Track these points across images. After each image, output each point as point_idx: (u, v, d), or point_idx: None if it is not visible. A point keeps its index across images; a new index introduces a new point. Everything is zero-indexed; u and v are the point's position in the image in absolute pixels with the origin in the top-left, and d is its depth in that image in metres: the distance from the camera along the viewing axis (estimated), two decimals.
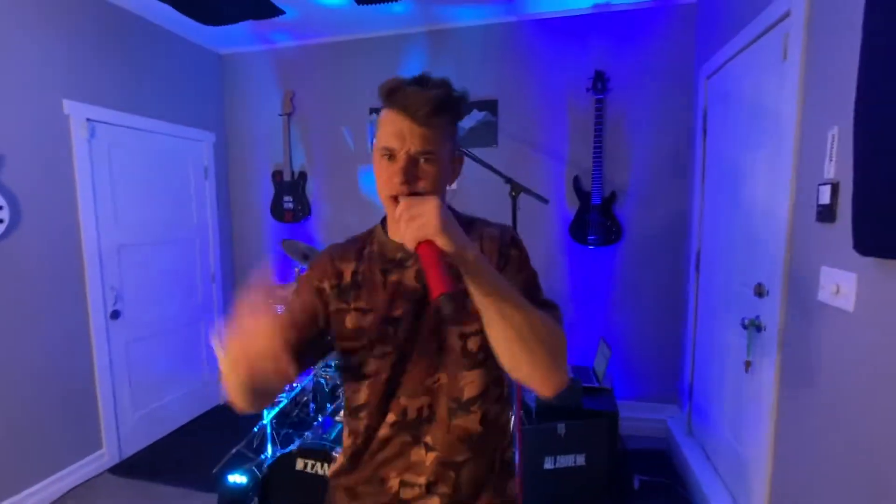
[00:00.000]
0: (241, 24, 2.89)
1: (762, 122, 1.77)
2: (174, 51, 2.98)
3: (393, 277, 0.82)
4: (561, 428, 2.11)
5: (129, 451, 2.68)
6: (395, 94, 0.73)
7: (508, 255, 0.82)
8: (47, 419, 2.26)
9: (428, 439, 0.80)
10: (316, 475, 1.78)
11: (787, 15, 1.54)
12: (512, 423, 1.06)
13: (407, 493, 0.81)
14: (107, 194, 2.54)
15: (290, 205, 3.25)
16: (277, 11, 2.70)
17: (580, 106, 2.80)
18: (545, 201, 1.66)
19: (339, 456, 0.91)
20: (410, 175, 0.71)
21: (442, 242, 0.61)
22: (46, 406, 2.25)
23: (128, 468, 2.57)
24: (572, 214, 2.83)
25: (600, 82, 2.66)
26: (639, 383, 2.88)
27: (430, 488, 0.80)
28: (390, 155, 0.73)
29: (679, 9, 2.60)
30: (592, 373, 2.58)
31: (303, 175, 3.25)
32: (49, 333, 2.27)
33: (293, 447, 1.86)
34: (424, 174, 0.73)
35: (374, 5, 2.62)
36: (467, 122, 2.96)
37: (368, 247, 0.86)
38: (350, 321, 0.82)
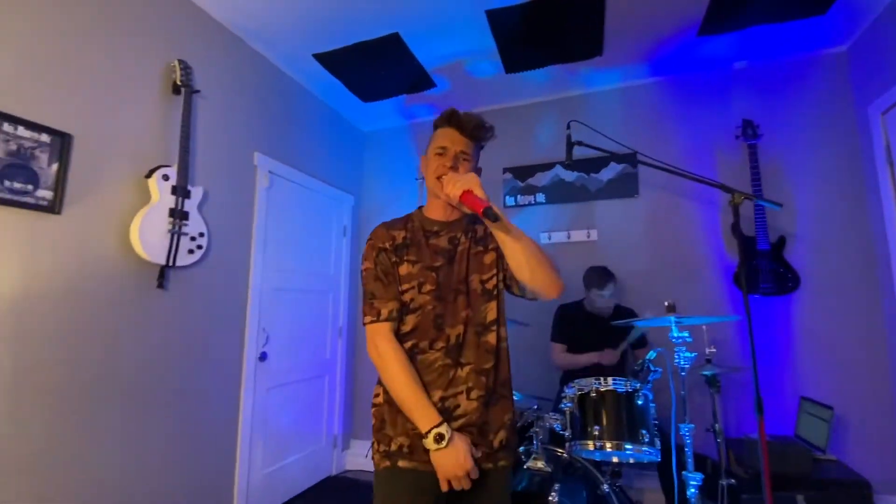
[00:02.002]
0: (387, 103, 3.28)
1: None
2: (331, 122, 3.36)
3: (432, 241, 1.17)
4: (801, 500, 1.69)
5: None
6: (452, 117, 1.17)
7: None
8: (188, 462, 2.14)
9: (463, 359, 1.10)
10: None
11: None
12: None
13: (449, 403, 1.07)
14: (271, 239, 2.70)
15: None
16: (432, 85, 3.04)
17: (728, 153, 2.76)
18: (779, 206, 1.54)
19: (378, 387, 1.15)
20: (455, 164, 1.13)
21: (479, 192, 0.98)
22: (190, 443, 2.15)
23: None
24: (733, 262, 2.63)
25: (750, 129, 2.65)
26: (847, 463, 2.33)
27: (468, 394, 1.08)
28: (443, 152, 1.14)
29: (828, 58, 2.63)
30: (800, 441, 2.14)
31: None
32: (208, 369, 2.26)
33: None
34: (462, 167, 1.14)
35: (521, 73, 2.89)
36: (605, 174, 3.00)
37: (411, 222, 1.21)
38: (404, 269, 1.13)
